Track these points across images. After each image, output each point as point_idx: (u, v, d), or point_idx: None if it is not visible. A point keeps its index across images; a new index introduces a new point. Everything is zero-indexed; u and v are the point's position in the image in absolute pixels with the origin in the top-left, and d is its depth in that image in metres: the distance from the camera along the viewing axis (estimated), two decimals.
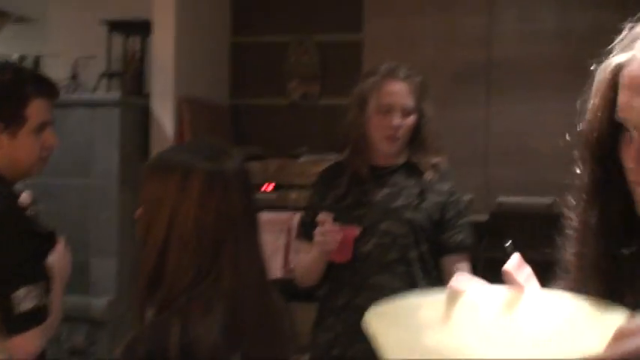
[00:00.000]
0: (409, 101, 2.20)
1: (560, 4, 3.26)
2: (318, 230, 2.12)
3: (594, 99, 0.86)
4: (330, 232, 2.10)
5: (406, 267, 2.23)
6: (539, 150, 3.19)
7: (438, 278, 2.23)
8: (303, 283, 2.35)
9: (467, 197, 3.12)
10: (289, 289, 2.64)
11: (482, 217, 3.23)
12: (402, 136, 2.22)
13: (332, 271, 2.26)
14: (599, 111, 0.85)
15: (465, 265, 2.28)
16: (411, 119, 2.22)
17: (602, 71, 0.85)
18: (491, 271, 3.30)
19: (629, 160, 0.83)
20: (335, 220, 2.13)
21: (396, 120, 2.19)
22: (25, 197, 3.36)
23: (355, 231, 2.14)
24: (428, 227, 2.26)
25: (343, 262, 2.18)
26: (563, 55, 3.20)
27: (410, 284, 2.17)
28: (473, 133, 3.29)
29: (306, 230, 2.28)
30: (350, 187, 2.28)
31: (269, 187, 3.40)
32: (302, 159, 3.51)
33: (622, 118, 0.83)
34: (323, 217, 2.12)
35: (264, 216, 2.90)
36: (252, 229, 1.37)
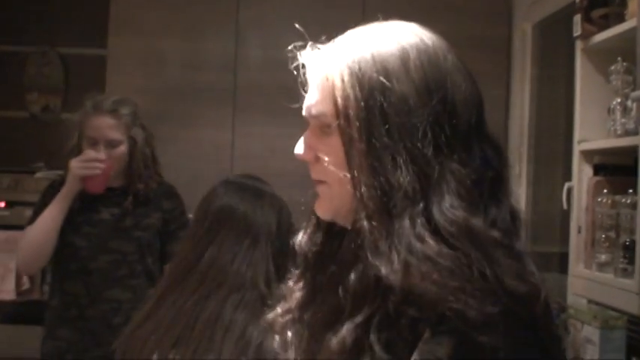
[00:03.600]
0: (114, 134, 2.47)
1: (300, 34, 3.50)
2: (79, 158, 2.40)
3: None
4: (95, 159, 2.38)
5: (136, 280, 2.53)
6: (280, 171, 3.39)
7: None
8: (29, 258, 2.48)
9: None
10: (21, 312, 2.64)
11: None
12: (111, 165, 2.47)
13: (64, 283, 2.49)
14: None
15: None
16: (120, 149, 2.49)
17: None
18: None
19: None
20: (67, 234, 2.44)
21: (101, 152, 2.45)
22: None
23: (111, 166, 2.44)
24: (154, 243, 2.59)
25: (96, 192, 2.45)
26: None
27: (139, 296, 2.46)
28: (219, 154, 3.43)
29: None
30: (81, 205, 2.50)
31: (0, 203, 3.27)
32: (38, 174, 3.43)
33: None
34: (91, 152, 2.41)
35: None
36: None
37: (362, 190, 0.84)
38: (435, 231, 0.81)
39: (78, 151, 2.50)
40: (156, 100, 3.43)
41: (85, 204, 2.51)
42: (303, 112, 0.97)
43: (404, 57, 0.88)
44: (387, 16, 0.97)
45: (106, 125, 2.47)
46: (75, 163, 2.41)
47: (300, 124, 3.27)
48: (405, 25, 0.94)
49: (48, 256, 2.47)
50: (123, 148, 2.50)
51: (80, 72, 3.91)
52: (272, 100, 3.48)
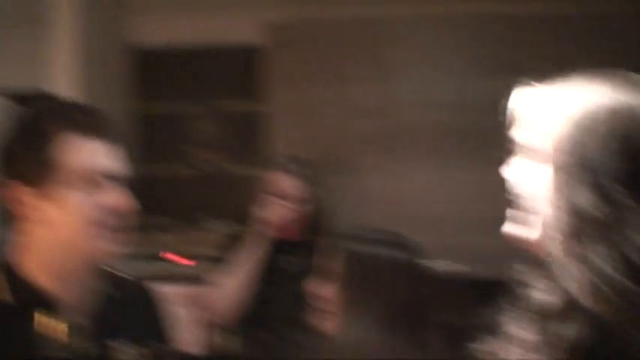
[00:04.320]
0: (298, 192, 2.60)
1: (454, 73, 3.49)
2: (270, 207, 2.54)
3: None
4: (285, 207, 2.54)
5: None
6: (442, 215, 3.37)
7: None
8: (229, 308, 2.56)
9: None
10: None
11: None
12: (295, 222, 2.61)
13: (251, 329, 2.59)
14: None
15: None
16: (305, 206, 2.61)
17: None
18: None
19: None
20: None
21: (289, 211, 2.58)
22: None
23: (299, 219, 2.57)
24: None
25: (288, 239, 2.58)
26: (460, 123, 3.42)
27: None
28: (384, 201, 3.44)
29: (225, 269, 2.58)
30: (265, 257, 2.60)
31: (183, 259, 3.41)
32: (214, 230, 3.54)
33: None
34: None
35: (178, 290, 2.92)
36: None
37: (560, 215, 0.92)
38: (627, 264, 0.87)
39: (264, 207, 2.61)
40: (316, 150, 3.50)
41: (270, 256, 2.61)
42: (516, 140, 1.03)
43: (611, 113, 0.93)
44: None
45: (291, 184, 2.60)
46: (267, 212, 2.55)
47: (460, 165, 3.20)
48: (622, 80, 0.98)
49: (242, 306, 2.56)
50: (308, 206, 2.63)
51: (242, 128, 4.05)
52: (428, 142, 3.49)
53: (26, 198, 1.24)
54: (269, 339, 2.60)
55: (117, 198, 1.27)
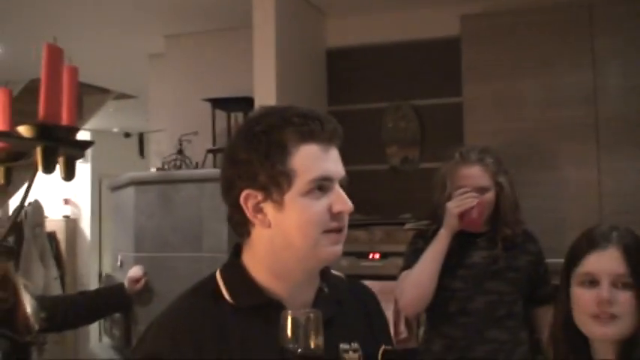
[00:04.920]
0: (483, 182, 2.59)
1: None
2: (454, 199, 2.56)
3: None
4: (469, 196, 2.54)
5: (512, 321, 2.61)
6: None
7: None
8: (418, 288, 2.55)
9: None
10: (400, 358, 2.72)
11: None
12: (483, 209, 2.60)
13: (442, 327, 2.61)
14: None
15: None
16: (489, 195, 2.60)
17: None
18: None
19: None
20: (442, 277, 2.56)
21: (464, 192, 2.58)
22: (135, 271, 3.58)
23: (483, 209, 2.59)
24: (526, 284, 2.65)
25: (475, 230, 2.60)
26: None
27: (516, 337, 2.60)
28: (584, 194, 3.27)
29: (414, 264, 2.61)
30: (450, 251, 2.60)
31: (375, 255, 3.46)
32: (407, 225, 3.57)
33: None
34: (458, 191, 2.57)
35: (372, 285, 2.95)
36: None
37: None
38: None
39: (447, 199, 2.62)
40: (514, 142, 3.41)
41: (455, 249, 2.61)
42: None
43: None
44: None
45: (475, 174, 2.59)
46: (452, 203, 2.56)
47: None
48: None
49: (430, 298, 2.57)
50: (491, 195, 2.61)
51: (435, 122, 4.05)
52: (638, 131, 3.26)
53: (261, 205, 1.32)
54: (459, 335, 2.58)
55: (341, 202, 1.32)
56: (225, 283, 1.36)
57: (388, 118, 4.13)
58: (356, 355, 1.41)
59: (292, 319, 1.18)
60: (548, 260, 3.16)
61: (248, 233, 1.36)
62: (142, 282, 3.56)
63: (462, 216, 2.55)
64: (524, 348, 2.65)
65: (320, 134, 1.32)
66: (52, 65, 1.52)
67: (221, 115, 4.23)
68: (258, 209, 1.32)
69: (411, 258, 2.66)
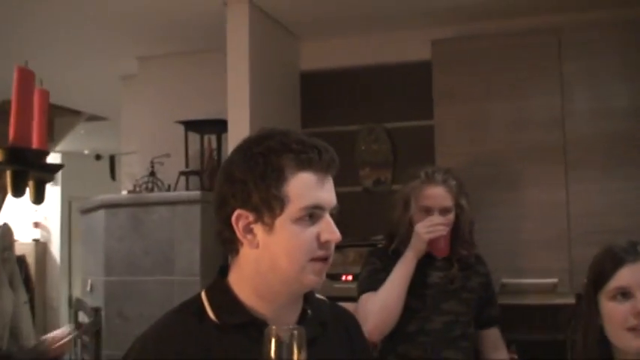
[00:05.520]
0: (446, 202, 2.60)
1: (632, 81, 3.31)
2: (424, 223, 2.55)
3: None
4: (439, 224, 2.54)
5: (466, 342, 2.64)
6: (621, 228, 3.20)
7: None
8: (385, 311, 2.53)
9: (552, 281, 3.16)
10: None
11: (569, 300, 3.24)
12: (448, 240, 2.61)
13: (399, 346, 2.59)
14: None
15: (500, 336, 2.80)
16: (450, 217, 2.62)
17: None
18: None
19: None
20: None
21: (436, 219, 2.59)
22: (60, 332, 3.33)
23: (448, 228, 2.59)
24: (477, 305, 2.70)
25: (442, 255, 2.61)
26: (638, 132, 3.24)
27: (468, 358, 2.64)
28: (553, 215, 3.32)
29: (377, 285, 2.59)
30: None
31: (348, 277, 3.47)
32: (379, 247, 3.57)
33: None
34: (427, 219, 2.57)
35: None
36: None
37: None
38: None
39: (409, 219, 2.65)
40: (483, 163, 3.45)
41: (415, 269, 2.61)
42: None
43: None
44: None
45: (440, 194, 2.62)
46: (422, 228, 2.55)
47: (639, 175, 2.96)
48: None
49: (396, 321, 2.56)
50: (452, 216, 2.64)
51: (407, 144, 4.09)
52: (606, 153, 3.32)
53: (252, 226, 1.33)
54: (416, 355, 2.59)
55: (330, 231, 1.33)
56: (209, 302, 1.37)
57: (361, 140, 4.16)
58: None
59: (276, 335, 1.17)
60: (514, 280, 3.20)
61: (236, 251, 1.37)
62: (65, 341, 3.40)
63: (430, 242, 2.57)
64: None
65: (317, 163, 1.33)
66: (23, 88, 1.52)
67: (194, 137, 4.22)
68: (248, 230, 1.33)
69: (370, 279, 2.66)
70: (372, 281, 2.65)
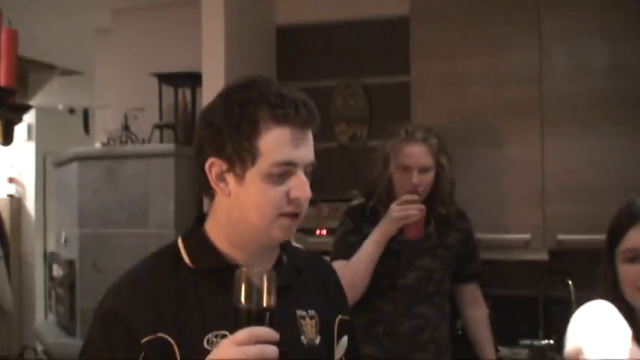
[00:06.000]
0: (426, 161, 2.59)
1: (611, 38, 3.29)
2: (399, 202, 2.51)
3: None
4: (415, 205, 2.49)
5: (440, 298, 2.68)
6: (595, 186, 3.20)
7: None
8: (352, 287, 2.49)
9: (525, 237, 3.17)
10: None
11: (542, 256, 3.26)
12: (421, 191, 2.60)
13: (373, 302, 2.60)
14: None
15: (479, 291, 2.88)
16: (429, 176, 2.61)
17: None
18: (551, 310, 3.41)
19: None
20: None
21: (414, 178, 2.57)
22: None
23: (424, 208, 2.53)
24: (454, 261, 2.74)
25: (415, 239, 2.57)
26: (615, 90, 3.22)
27: (442, 314, 2.69)
28: (528, 171, 3.31)
29: (353, 248, 2.60)
30: None
31: (322, 231, 3.46)
32: (354, 202, 3.56)
33: None
34: (410, 196, 2.52)
35: None
36: None
37: None
38: None
39: (388, 177, 2.65)
40: (460, 120, 3.43)
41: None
42: None
43: None
44: None
45: (419, 152, 2.60)
46: (395, 208, 2.52)
47: (615, 133, 3.02)
48: None
49: (363, 291, 2.57)
50: (432, 175, 2.63)
51: (383, 100, 4.05)
52: (582, 110, 3.30)
53: (224, 175, 1.34)
54: (387, 309, 2.64)
55: (300, 189, 1.32)
56: (185, 248, 1.38)
57: (337, 95, 4.11)
58: (312, 322, 1.43)
59: (245, 278, 1.17)
60: (490, 236, 3.21)
61: (212, 197, 1.39)
62: None
63: (404, 224, 2.54)
64: (447, 324, 2.75)
65: (294, 119, 1.31)
66: None
67: (168, 90, 4.15)
68: (221, 178, 1.34)
69: (341, 243, 2.68)
70: (342, 246, 2.67)
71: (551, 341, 3.30)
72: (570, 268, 3.40)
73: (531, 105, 3.36)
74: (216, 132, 1.32)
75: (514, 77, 3.41)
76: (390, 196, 2.65)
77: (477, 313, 2.88)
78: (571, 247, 3.21)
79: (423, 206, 2.53)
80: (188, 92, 4.08)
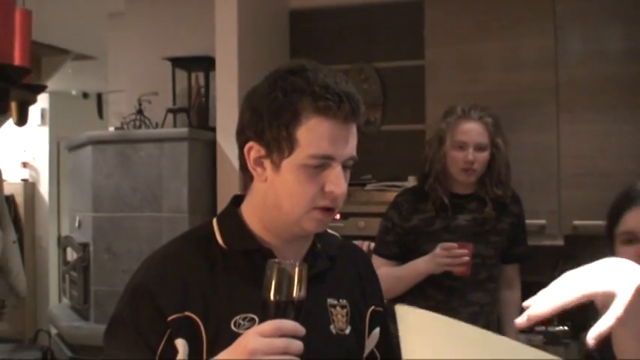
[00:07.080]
0: (482, 139, 2.57)
1: (626, 23, 3.23)
2: (446, 246, 2.48)
3: None
4: (458, 252, 2.46)
5: (493, 284, 2.67)
6: (610, 171, 3.16)
7: None
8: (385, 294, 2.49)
9: (540, 222, 3.13)
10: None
11: (557, 242, 3.23)
12: (477, 169, 2.58)
13: (426, 290, 2.60)
14: None
15: (517, 274, 2.86)
16: (485, 154, 2.59)
17: None
18: None
19: None
20: (426, 242, 2.58)
21: (470, 155, 2.55)
22: None
23: (471, 247, 2.49)
24: (505, 247, 2.70)
25: (463, 276, 2.53)
26: (630, 75, 3.17)
27: (495, 299, 2.69)
28: (544, 157, 3.28)
29: (389, 248, 2.65)
30: (437, 213, 2.62)
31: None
32: (368, 187, 3.54)
33: None
34: (447, 245, 2.49)
35: None
36: None
37: None
38: None
39: (443, 155, 2.62)
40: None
41: (440, 213, 2.62)
42: None
43: None
44: None
45: (475, 130, 2.59)
46: (440, 253, 2.49)
47: (631, 118, 2.96)
48: None
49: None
50: (487, 154, 2.61)
51: (397, 84, 4.01)
52: (598, 95, 3.26)
53: (261, 160, 1.32)
54: (441, 297, 2.62)
55: (335, 183, 1.28)
56: (219, 228, 1.38)
57: (350, 79, 4.04)
58: (343, 311, 1.41)
59: (278, 269, 1.15)
60: None
61: (251, 178, 1.37)
62: None
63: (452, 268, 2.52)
64: (496, 308, 2.73)
65: (335, 112, 1.27)
66: (4, 5, 1.44)
67: (182, 74, 4.13)
68: (258, 162, 1.33)
69: (380, 238, 2.68)
70: (380, 241, 2.69)
71: (566, 327, 3.27)
72: (586, 253, 3.37)
73: (546, 90, 3.33)
74: (258, 116, 1.30)
75: (529, 62, 3.37)
76: (446, 176, 2.63)
77: (510, 295, 2.81)
78: (586, 233, 3.17)
79: (466, 251, 2.47)
80: (201, 76, 4.06)
